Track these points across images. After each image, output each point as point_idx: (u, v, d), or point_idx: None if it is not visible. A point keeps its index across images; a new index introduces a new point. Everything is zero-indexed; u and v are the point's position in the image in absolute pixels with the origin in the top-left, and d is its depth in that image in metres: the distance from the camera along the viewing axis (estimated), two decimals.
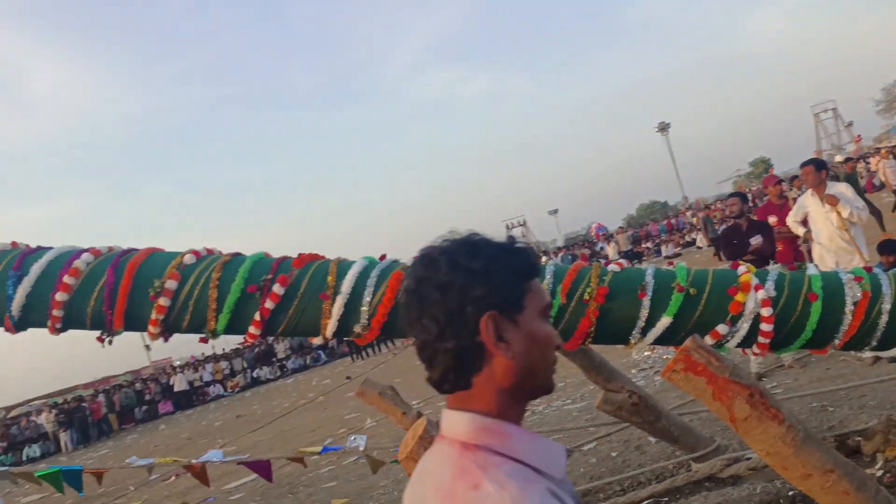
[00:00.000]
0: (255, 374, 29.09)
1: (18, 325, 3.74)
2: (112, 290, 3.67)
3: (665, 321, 3.55)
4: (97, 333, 3.85)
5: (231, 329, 3.81)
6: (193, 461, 4.57)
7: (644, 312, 3.57)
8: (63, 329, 3.78)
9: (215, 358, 30.12)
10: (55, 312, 3.67)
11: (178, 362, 39.14)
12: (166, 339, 3.85)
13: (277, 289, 3.72)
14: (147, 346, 42.42)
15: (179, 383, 27.76)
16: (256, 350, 30.22)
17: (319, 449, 4.89)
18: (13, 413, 35.40)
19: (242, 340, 35.21)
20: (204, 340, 3.87)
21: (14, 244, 3.85)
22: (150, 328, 3.75)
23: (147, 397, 27.87)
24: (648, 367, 9.24)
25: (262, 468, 4.69)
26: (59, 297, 3.64)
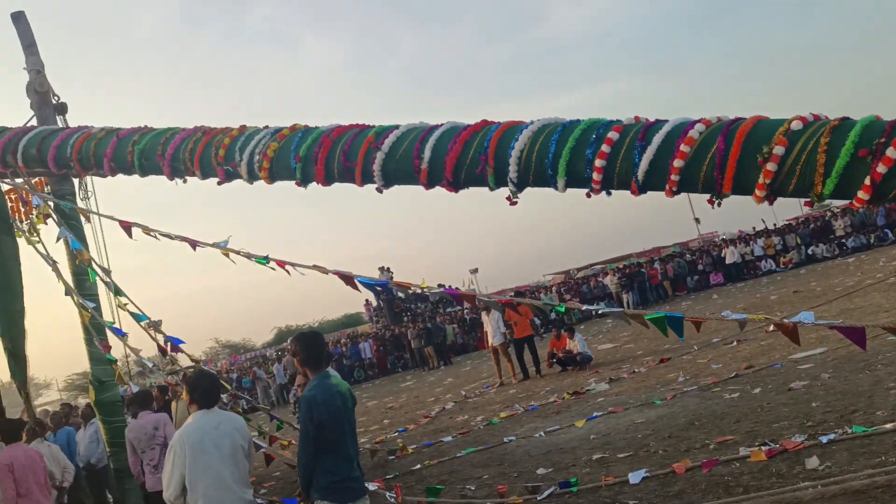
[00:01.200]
0: (809, 251, 27.82)
1: (641, 189, 4.39)
2: (723, 156, 4.02)
3: None
4: (699, 197, 4.30)
5: (837, 194, 3.84)
6: (785, 320, 4.79)
7: None
8: (678, 192, 4.31)
9: (767, 233, 29.60)
10: (673, 177, 4.19)
11: (724, 236, 39.59)
12: (770, 203, 4.09)
13: (892, 153, 3.61)
14: (696, 220, 43.94)
15: (731, 256, 28.19)
16: (812, 226, 28.77)
17: None
18: (579, 274, 40.70)
19: (795, 216, 33.82)
20: (809, 204, 3.99)
21: (636, 118, 4.46)
22: (757, 192, 4.01)
23: (699, 268, 29.05)
24: None
25: (856, 334, 4.67)
26: (677, 163, 4.14)
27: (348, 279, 6.24)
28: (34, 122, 8.87)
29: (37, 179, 8.99)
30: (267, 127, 6.12)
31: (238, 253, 6.74)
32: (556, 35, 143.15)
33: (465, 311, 30.30)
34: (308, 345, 4.29)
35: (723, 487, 5.38)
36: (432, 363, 24.55)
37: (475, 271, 47.56)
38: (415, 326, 26.45)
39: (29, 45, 9.08)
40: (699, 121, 4.18)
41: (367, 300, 36.95)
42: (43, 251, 8.28)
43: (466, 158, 4.87)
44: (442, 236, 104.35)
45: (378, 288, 6.13)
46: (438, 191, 5.29)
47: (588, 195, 4.62)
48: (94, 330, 8.05)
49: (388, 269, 32.72)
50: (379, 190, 5.46)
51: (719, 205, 4.21)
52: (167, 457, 4.30)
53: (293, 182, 5.87)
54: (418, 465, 8.67)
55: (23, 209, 9.02)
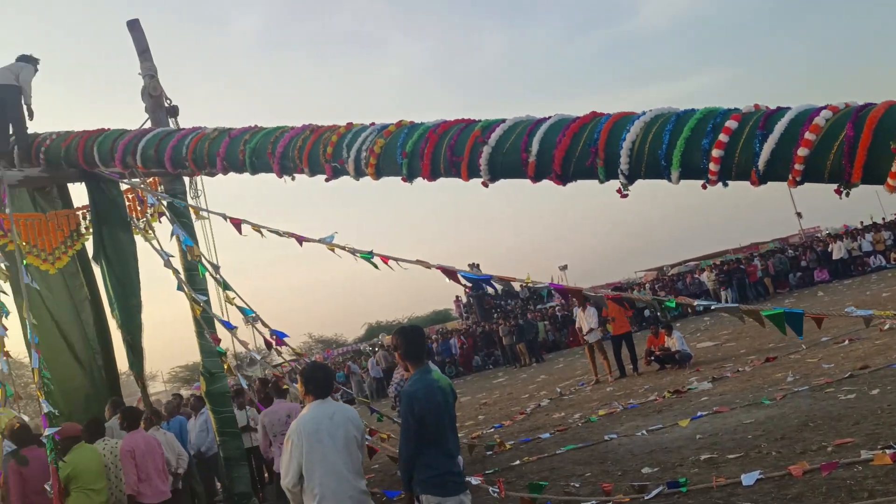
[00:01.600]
0: None
1: (762, 179, 4.22)
2: (852, 144, 3.82)
3: None
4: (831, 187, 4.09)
5: None
6: None
7: None
8: (801, 182, 4.11)
9: (875, 227, 28.10)
10: (797, 167, 4.01)
11: (827, 231, 37.82)
12: None
13: None
14: (798, 214, 42.24)
15: (837, 251, 26.89)
16: None
17: None
18: (673, 271, 39.71)
19: None
20: None
21: (756, 106, 4.29)
22: (889, 181, 3.79)
23: (802, 264, 27.85)
24: None
25: None
26: (801, 152, 3.96)
27: (451, 273, 6.28)
28: (148, 124, 9.29)
29: (151, 179, 9.43)
30: (373, 124, 6.22)
31: (343, 248, 6.88)
32: (647, 26, 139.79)
33: (557, 307, 30.04)
34: (409, 339, 4.35)
35: (845, 491, 5.14)
36: (524, 360, 24.44)
37: (564, 268, 47.06)
38: (506, 323, 26.39)
39: (143, 51, 9.51)
40: (825, 107, 3.98)
41: (457, 296, 37.14)
42: (158, 247, 8.67)
43: (576, 151, 4.81)
44: (528, 232, 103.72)
45: (480, 282, 6.15)
46: (526, 187, 5.27)
47: (704, 186, 4.48)
48: (205, 323, 8.39)
49: (478, 265, 32.78)
50: (485, 184, 5.46)
51: (847, 195, 4.00)
52: (285, 446, 4.42)
53: (399, 178, 5.95)
54: (517, 462, 8.65)
55: (139, 208, 9.48)
